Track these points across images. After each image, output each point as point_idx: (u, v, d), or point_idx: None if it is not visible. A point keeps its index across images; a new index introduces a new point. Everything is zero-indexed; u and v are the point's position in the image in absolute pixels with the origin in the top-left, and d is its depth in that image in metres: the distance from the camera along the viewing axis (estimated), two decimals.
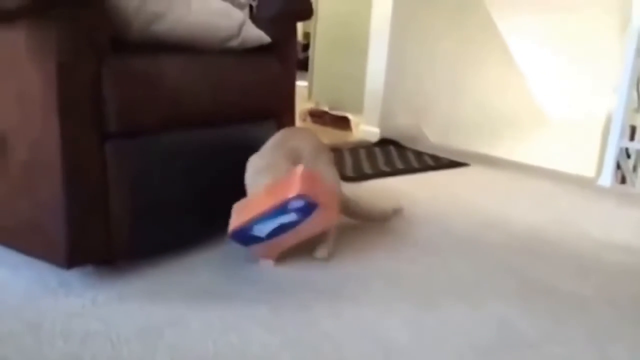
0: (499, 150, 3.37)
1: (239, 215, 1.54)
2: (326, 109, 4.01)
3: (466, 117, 3.56)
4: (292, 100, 1.97)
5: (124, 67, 1.42)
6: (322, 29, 4.10)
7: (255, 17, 1.85)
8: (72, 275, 1.46)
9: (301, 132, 1.79)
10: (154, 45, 1.57)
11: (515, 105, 3.34)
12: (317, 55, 4.15)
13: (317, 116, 4.00)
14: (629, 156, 2.97)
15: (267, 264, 1.62)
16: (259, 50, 1.84)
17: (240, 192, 1.77)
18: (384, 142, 3.45)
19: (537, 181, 2.88)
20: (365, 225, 2.00)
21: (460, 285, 1.60)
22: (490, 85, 3.45)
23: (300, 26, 5.81)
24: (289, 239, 1.59)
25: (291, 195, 1.42)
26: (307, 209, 1.48)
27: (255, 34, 1.79)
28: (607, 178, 2.83)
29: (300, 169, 1.49)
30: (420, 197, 2.44)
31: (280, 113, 1.91)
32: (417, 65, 3.56)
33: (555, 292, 1.59)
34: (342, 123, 3.84)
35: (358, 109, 3.68)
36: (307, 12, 1.94)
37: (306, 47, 5.07)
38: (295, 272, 1.60)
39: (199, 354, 1.17)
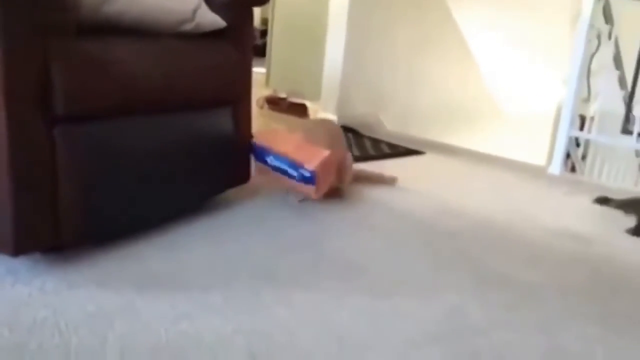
0: (455, 139, 3.42)
1: (272, 138, 2.01)
2: (284, 95, 3.99)
3: (424, 107, 3.60)
4: (249, 86, 1.95)
5: (73, 49, 1.38)
6: (280, 15, 4.07)
7: (210, 1, 1.81)
8: (20, 263, 1.42)
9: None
10: (106, 27, 1.53)
11: (472, 95, 3.39)
12: (275, 41, 4.12)
13: (275, 103, 3.98)
14: (578, 145, 3.06)
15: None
16: (214, 35, 1.81)
17: (192, 178, 1.76)
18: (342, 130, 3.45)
19: (491, 170, 2.94)
20: (323, 211, 2.01)
21: (414, 273, 1.62)
22: (448, 76, 3.49)
23: (258, 12, 5.75)
24: (280, 180, 2.00)
25: (308, 167, 1.85)
26: (308, 179, 1.88)
27: (210, 18, 1.77)
28: (557, 167, 2.90)
29: (327, 152, 1.89)
30: (379, 185, 2.45)
31: (236, 99, 1.89)
32: (376, 53, 3.57)
33: (506, 280, 1.63)
34: (300, 110, 3.83)
35: (316, 97, 3.67)
36: None
37: (264, 33, 5.03)
38: (249, 259, 1.59)
39: (150, 343, 1.16)
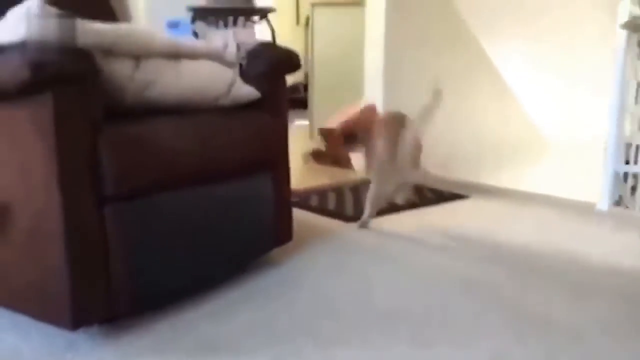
0: (500, 180, 3.41)
1: None
2: None
3: (466, 148, 3.61)
4: (286, 150, 2.04)
5: (119, 133, 1.50)
6: (319, 70, 4.21)
7: (245, 74, 1.93)
8: (79, 336, 1.52)
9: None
10: (148, 109, 1.66)
11: (515, 132, 3.38)
12: (316, 95, 4.25)
13: (320, 156, 4.06)
14: (626, 180, 2.99)
15: None
16: (250, 104, 1.92)
17: (236, 242, 1.84)
18: None
19: (537, 209, 2.92)
20: (362, 260, 2.05)
21: (457, 321, 1.64)
22: (488, 114, 3.50)
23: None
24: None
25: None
26: None
27: (245, 91, 1.88)
28: (605, 202, 2.86)
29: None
30: (420, 231, 2.48)
31: (274, 164, 1.98)
32: (413, 100, 3.62)
33: (550, 324, 1.63)
34: (344, 162, 3.89)
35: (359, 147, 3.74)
36: (295, 66, 2.01)
37: (307, 87, 5.18)
38: (292, 318, 1.64)
39: None
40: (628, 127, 2.89)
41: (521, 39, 3.23)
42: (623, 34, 2.75)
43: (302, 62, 4.11)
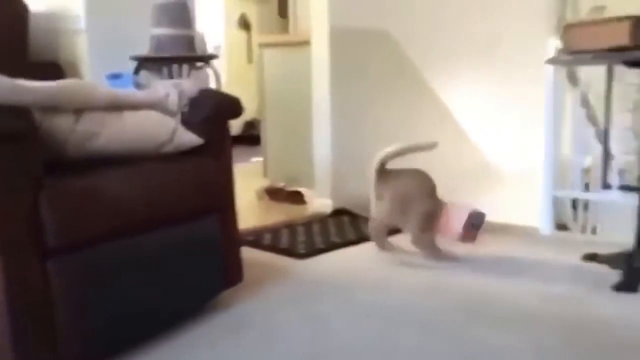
0: None
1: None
2: (282, 184, 4.13)
3: None
4: (232, 193, 2.08)
5: (61, 186, 1.53)
6: (270, 108, 4.29)
7: (187, 121, 1.98)
8: None
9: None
10: (92, 159, 1.69)
11: (466, 164, 3.47)
12: (269, 132, 4.32)
13: (274, 193, 4.12)
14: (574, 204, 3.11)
15: None
16: (194, 150, 1.97)
17: (186, 286, 1.87)
18: (338, 213, 3.56)
19: (486, 238, 2.99)
20: (314, 296, 2.09)
21: (401, 352, 1.69)
22: (439, 148, 3.60)
23: (255, 104, 5.99)
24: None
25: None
26: None
27: (188, 138, 1.93)
28: (546, 227, 2.97)
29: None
30: (365, 264, 2.54)
31: (220, 207, 2.03)
32: (364, 136, 3.72)
33: (491, 351, 1.69)
34: (297, 198, 3.96)
35: (311, 183, 3.81)
36: (237, 112, 2.07)
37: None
38: None
39: None
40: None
41: (465, 70, 3.35)
42: (551, 67, 2.90)
43: (256, 99, 4.15)
